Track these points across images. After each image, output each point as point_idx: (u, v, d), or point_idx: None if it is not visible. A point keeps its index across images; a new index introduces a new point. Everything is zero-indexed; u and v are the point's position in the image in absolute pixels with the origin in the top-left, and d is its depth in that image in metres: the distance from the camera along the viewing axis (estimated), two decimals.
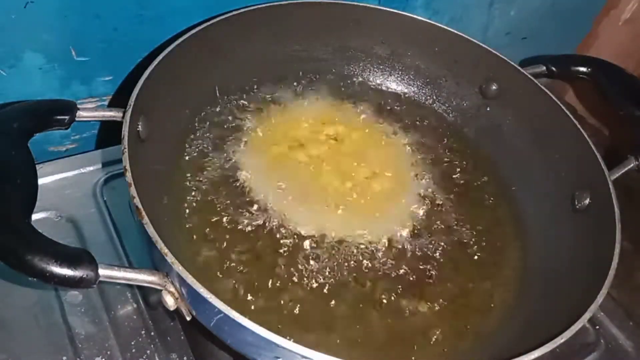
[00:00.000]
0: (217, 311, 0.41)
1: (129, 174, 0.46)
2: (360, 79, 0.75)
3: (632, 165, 0.62)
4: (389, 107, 0.73)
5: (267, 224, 0.58)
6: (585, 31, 0.95)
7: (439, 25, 0.70)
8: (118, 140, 0.49)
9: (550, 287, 0.57)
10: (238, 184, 0.60)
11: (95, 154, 0.67)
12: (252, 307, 0.52)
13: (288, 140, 0.66)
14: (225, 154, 0.63)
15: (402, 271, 0.57)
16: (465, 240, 0.61)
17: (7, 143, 0.47)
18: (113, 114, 0.53)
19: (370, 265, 0.57)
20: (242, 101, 0.68)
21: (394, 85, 0.75)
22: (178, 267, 0.42)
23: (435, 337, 0.53)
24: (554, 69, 0.72)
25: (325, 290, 0.54)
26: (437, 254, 0.59)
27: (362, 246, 0.58)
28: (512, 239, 0.63)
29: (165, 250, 0.42)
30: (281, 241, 0.57)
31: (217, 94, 0.66)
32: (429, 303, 0.55)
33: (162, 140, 0.57)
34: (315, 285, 0.54)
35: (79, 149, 0.69)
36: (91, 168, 0.65)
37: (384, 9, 0.70)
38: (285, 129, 0.67)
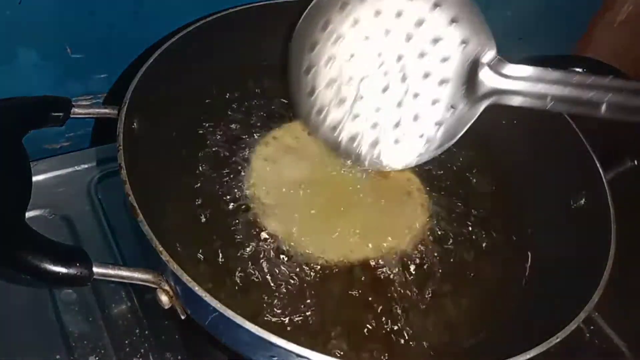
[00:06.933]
0: (212, 310, 0.41)
1: (124, 172, 0.46)
2: None
3: (627, 166, 0.63)
4: None
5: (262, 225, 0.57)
6: (581, 32, 0.96)
7: None
8: (113, 138, 0.49)
9: (545, 286, 0.57)
10: (236, 182, 0.60)
11: (89, 151, 0.67)
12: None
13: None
14: (222, 153, 0.62)
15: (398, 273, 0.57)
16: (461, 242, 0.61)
17: (1, 139, 0.47)
18: (108, 111, 0.53)
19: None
20: (238, 98, 0.67)
21: None
22: (173, 266, 0.42)
23: (429, 336, 0.53)
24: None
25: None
26: (433, 258, 0.59)
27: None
28: (508, 238, 0.63)
29: (160, 248, 0.42)
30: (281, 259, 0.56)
31: (213, 92, 0.66)
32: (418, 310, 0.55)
33: (158, 138, 0.57)
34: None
35: (73, 146, 0.68)
36: (85, 166, 0.65)
37: None
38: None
